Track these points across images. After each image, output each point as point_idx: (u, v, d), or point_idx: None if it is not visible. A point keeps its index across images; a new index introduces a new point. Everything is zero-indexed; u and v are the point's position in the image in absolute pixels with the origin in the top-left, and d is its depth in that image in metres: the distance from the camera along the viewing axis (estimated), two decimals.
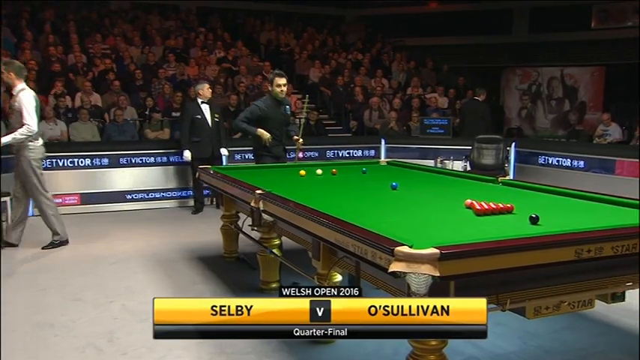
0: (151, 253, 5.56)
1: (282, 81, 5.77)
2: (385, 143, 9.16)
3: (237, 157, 8.24)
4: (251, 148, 6.26)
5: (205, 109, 7.41)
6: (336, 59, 12.73)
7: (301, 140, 6.08)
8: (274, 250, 4.23)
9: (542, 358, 3.31)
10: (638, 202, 3.24)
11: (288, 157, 6.24)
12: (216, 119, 7.46)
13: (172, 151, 7.90)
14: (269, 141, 5.76)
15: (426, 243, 2.28)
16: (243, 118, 5.83)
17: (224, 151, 7.65)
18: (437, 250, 2.21)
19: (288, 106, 6.05)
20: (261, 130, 5.74)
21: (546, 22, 14.46)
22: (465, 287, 2.39)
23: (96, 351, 3.41)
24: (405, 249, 2.24)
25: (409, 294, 2.29)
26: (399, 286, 2.47)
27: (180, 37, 12.47)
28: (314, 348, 3.39)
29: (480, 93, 9.63)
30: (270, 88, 5.93)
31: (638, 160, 7.14)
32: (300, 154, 6.60)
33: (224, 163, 7.60)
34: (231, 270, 5.06)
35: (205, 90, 7.43)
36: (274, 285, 4.36)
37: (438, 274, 2.18)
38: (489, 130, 9.23)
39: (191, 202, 7.80)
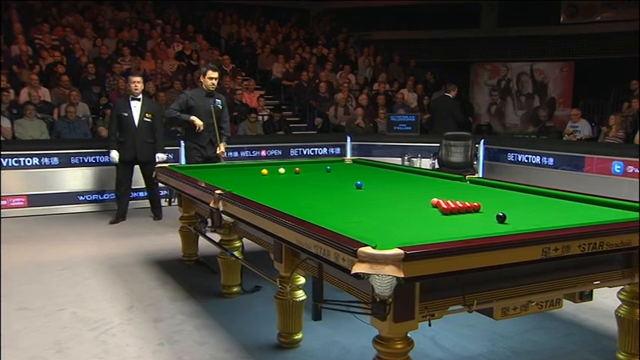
0: (104, 258, 5.33)
1: (215, 74, 6.04)
2: (351, 141, 9.05)
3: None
4: None
5: (135, 106, 6.57)
6: (301, 54, 12.55)
7: (223, 150, 6.13)
8: (235, 253, 4.10)
9: (511, 359, 3.25)
10: (605, 199, 3.24)
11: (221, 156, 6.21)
12: (146, 119, 6.58)
13: (98, 150, 7.37)
14: (201, 128, 5.93)
15: (390, 243, 2.21)
16: (174, 106, 6.03)
17: (161, 156, 6.70)
18: (401, 251, 2.15)
19: (219, 100, 6.18)
20: (193, 117, 5.92)
21: (515, 17, 14.50)
22: (431, 288, 2.35)
23: None
24: (368, 250, 2.18)
25: (373, 296, 2.24)
26: (362, 287, 2.41)
27: (135, 29, 12.02)
28: (278, 353, 3.30)
29: (451, 89, 9.41)
30: (202, 80, 6.10)
31: (607, 157, 7.12)
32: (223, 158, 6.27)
33: None
34: (191, 274, 4.90)
35: (129, 84, 6.63)
36: (236, 289, 4.27)
37: (403, 276, 2.11)
38: (460, 127, 9.19)
39: (147, 204, 7.35)
